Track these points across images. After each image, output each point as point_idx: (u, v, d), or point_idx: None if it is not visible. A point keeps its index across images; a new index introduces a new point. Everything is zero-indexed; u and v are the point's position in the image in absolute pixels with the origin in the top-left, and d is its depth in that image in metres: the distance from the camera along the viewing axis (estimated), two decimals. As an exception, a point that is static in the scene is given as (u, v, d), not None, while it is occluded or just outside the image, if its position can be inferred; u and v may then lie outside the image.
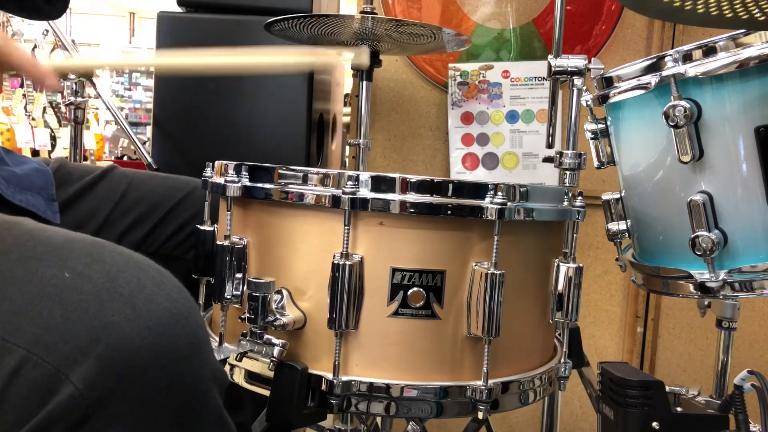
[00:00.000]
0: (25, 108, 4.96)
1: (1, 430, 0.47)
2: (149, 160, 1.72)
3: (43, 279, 0.51)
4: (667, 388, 1.03)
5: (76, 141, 1.79)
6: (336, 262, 0.72)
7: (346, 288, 0.72)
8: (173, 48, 1.70)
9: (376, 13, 1.39)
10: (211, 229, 0.86)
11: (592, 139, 1.05)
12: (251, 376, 0.79)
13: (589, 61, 1.07)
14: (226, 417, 0.54)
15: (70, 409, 0.46)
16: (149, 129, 1.71)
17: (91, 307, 0.49)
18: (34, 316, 0.49)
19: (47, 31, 3.98)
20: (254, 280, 0.73)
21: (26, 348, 0.47)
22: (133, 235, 1.04)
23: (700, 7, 0.85)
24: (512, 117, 1.72)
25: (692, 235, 0.87)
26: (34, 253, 0.54)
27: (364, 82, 1.50)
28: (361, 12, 1.41)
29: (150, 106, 1.49)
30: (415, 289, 0.74)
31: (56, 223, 0.96)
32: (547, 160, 1.21)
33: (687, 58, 0.88)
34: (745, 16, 0.85)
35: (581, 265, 0.84)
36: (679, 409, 1.03)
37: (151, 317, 0.49)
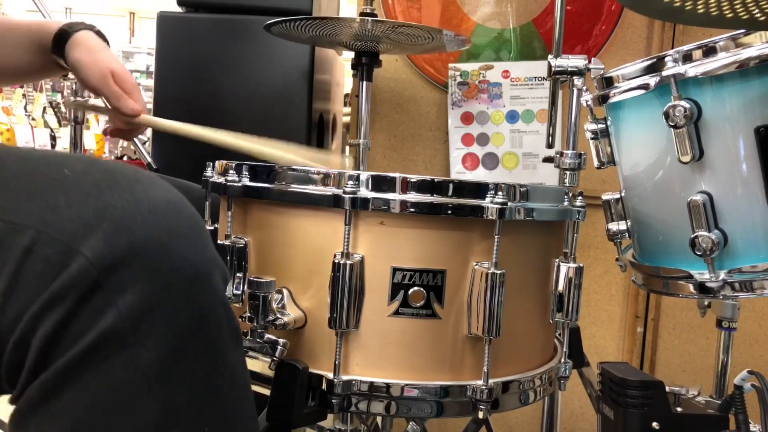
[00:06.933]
0: (25, 108, 4.96)
1: (19, 306, 0.49)
2: (149, 160, 1.72)
3: (44, 175, 0.55)
4: (667, 388, 1.03)
5: (75, 141, 1.79)
6: (337, 261, 0.72)
7: (346, 287, 0.72)
8: (173, 48, 1.70)
9: (376, 15, 1.39)
10: (212, 228, 0.86)
11: (592, 139, 1.05)
12: (252, 376, 0.79)
13: (589, 61, 1.07)
14: (230, 307, 0.56)
15: (82, 276, 0.49)
16: (149, 129, 1.70)
17: (92, 194, 0.52)
18: (39, 202, 0.52)
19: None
20: (255, 280, 0.74)
21: (36, 228, 0.50)
22: None
23: (700, 7, 0.85)
24: (512, 117, 1.72)
25: (692, 235, 0.87)
26: (35, 159, 0.58)
27: (364, 82, 1.50)
28: (361, 14, 1.41)
29: (150, 106, 1.49)
30: (415, 288, 0.74)
31: None
32: (547, 160, 1.21)
33: (687, 58, 0.88)
34: (745, 16, 0.85)
35: (581, 265, 0.84)
36: (679, 409, 1.03)
37: (150, 202, 0.52)
